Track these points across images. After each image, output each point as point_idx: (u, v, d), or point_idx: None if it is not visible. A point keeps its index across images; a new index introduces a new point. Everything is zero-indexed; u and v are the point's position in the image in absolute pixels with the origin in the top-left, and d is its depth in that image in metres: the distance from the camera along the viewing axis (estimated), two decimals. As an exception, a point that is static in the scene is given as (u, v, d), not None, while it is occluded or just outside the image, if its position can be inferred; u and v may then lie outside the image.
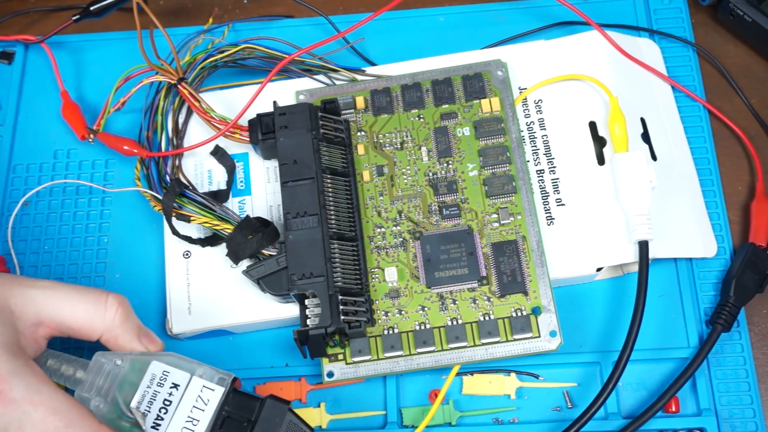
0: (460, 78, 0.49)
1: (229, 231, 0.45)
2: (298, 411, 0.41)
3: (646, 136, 0.49)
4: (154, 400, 0.38)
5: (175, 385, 0.38)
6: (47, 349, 0.40)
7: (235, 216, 0.46)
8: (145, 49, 0.48)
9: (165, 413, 0.38)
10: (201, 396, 0.38)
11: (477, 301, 0.44)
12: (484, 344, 0.43)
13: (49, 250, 0.50)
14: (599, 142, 0.48)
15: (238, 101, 0.49)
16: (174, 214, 0.46)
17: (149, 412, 0.38)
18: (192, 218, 0.46)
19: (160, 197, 0.47)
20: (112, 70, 0.52)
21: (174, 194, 0.46)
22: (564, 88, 0.49)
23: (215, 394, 0.38)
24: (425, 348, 0.43)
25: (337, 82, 0.50)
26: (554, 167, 0.47)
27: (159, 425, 0.38)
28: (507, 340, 0.43)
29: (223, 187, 0.49)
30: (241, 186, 0.49)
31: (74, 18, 0.54)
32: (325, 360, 0.43)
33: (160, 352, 0.40)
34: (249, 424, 0.39)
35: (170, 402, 0.38)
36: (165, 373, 0.39)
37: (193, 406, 0.38)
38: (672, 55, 0.52)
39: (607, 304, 0.47)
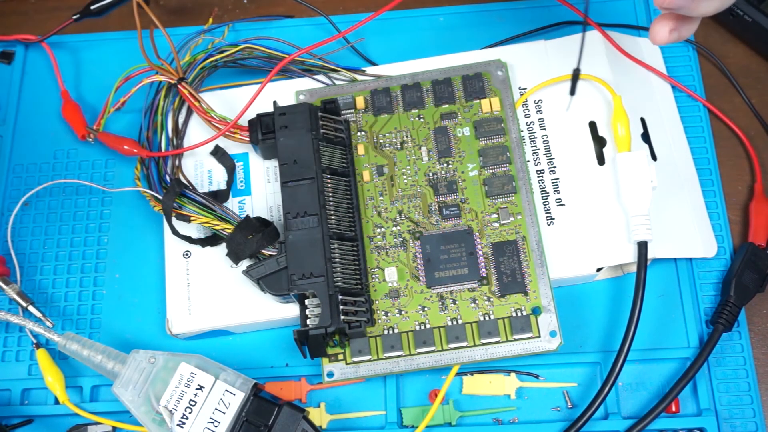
0: (460, 78, 0.49)
1: (229, 231, 0.45)
2: (298, 411, 0.41)
3: (646, 136, 0.49)
4: (181, 399, 0.41)
5: (201, 387, 0.41)
6: (84, 337, 0.43)
7: (235, 216, 0.46)
8: (145, 48, 0.48)
9: (190, 413, 0.41)
10: (223, 399, 0.41)
11: (477, 301, 0.44)
12: (484, 344, 0.43)
13: (49, 250, 0.50)
14: (599, 142, 0.48)
15: (238, 101, 0.49)
16: (174, 214, 0.46)
17: (176, 410, 0.41)
18: (192, 218, 0.46)
19: (160, 197, 0.47)
20: (112, 69, 0.52)
21: (174, 194, 0.46)
22: (564, 88, 0.49)
23: (236, 399, 0.41)
24: (425, 348, 0.43)
25: (337, 82, 0.50)
26: (554, 167, 0.47)
27: (184, 423, 0.40)
28: (507, 340, 0.43)
29: (223, 187, 0.49)
30: (241, 186, 0.49)
31: (74, 17, 0.54)
32: (325, 360, 0.43)
33: (190, 354, 0.43)
34: (266, 429, 0.41)
35: (195, 402, 0.41)
36: (192, 374, 0.41)
37: (216, 409, 0.41)
38: (672, 55, 0.52)
39: (607, 304, 0.47)
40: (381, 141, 0.48)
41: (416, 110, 0.48)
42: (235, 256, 0.45)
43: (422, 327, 0.43)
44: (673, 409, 0.44)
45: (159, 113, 0.50)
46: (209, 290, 0.46)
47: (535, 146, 0.48)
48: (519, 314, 0.43)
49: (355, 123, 0.48)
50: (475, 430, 0.45)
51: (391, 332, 0.43)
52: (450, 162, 0.47)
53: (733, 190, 0.50)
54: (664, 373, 0.45)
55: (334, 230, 0.44)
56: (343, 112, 0.49)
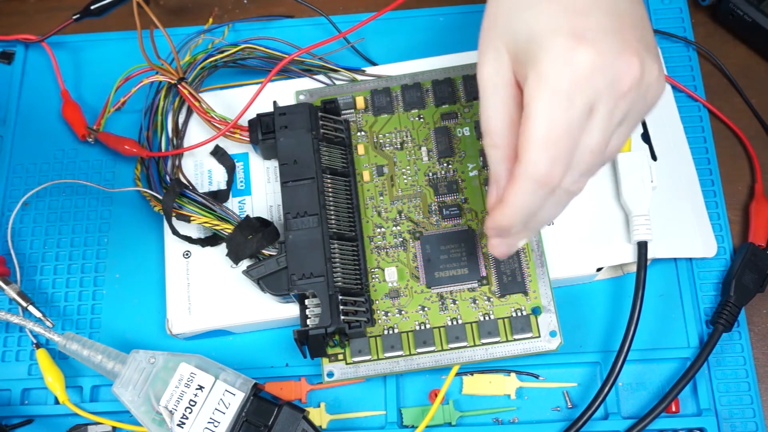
0: (461, 78, 0.49)
1: (229, 231, 0.45)
2: (298, 411, 0.41)
3: (646, 136, 0.49)
4: (181, 399, 0.41)
5: (201, 387, 0.41)
6: (84, 337, 0.44)
7: (235, 216, 0.46)
8: (145, 48, 0.48)
9: (190, 413, 0.41)
10: (223, 399, 0.41)
11: (477, 301, 0.44)
12: (484, 344, 0.43)
13: (49, 250, 0.50)
14: (599, 142, 0.48)
15: (238, 101, 0.49)
16: (174, 214, 0.46)
17: (176, 410, 0.41)
18: (192, 218, 0.46)
19: (160, 197, 0.47)
20: (112, 69, 0.52)
21: (174, 194, 0.46)
22: (564, 88, 0.49)
23: (236, 399, 0.41)
24: (425, 348, 0.43)
25: (337, 82, 0.50)
26: (554, 167, 0.47)
27: (184, 424, 0.40)
28: (507, 340, 0.43)
29: (223, 187, 0.49)
30: (241, 186, 0.49)
31: (74, 17, 0.54)
32: (325, 360, 0.43)
33: (190, 354, 0.43)
34: (266, 429, 0.41)
35: (195, 402, 0.41)
36: (192, 375, 0.41)
37: (215, 409, 0.41)
38: (672, 55, 0.52)
39: (607, 304, 0.47)
40: (381, 141, 0.48)
41: (416, 110, 0.48)
42: (235, 256, 0.45)
43: (422, 327, 0.43)
44: (673, 409, 0.44)
45: (159, 113, 0.50)
46: (209, 290, 0.46)
47: (535, 146, 0.48)
48: (519, 314, 0.43)
49: (355, 123, 0.48)
50: (475, 430, 0.45)
51: (391, 332, 0.43)
52: (450, 162, 0.47)
53: (733, 190, 0.50)
54: (664, 373, 0.45)
55: (334, 230, 0.44)
56: (343, 112, 0.49)
